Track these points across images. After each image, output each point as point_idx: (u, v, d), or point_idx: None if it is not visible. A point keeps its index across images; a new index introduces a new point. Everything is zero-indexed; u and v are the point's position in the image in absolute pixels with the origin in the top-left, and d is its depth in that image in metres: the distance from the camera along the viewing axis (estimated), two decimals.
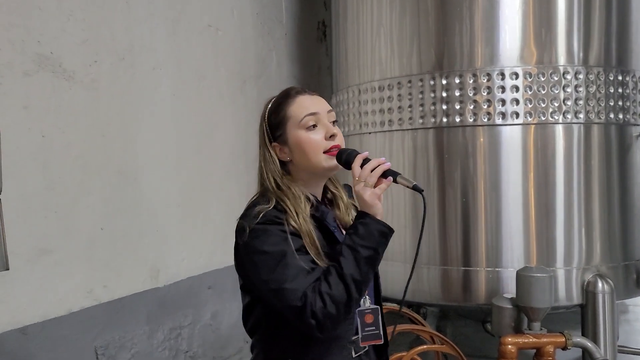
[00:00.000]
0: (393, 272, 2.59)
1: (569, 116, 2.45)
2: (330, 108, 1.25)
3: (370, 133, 2.79)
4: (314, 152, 1.19)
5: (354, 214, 1.33)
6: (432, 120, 2.55)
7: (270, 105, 1.27)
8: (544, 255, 2.46)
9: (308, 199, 1.21)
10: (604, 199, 2.53)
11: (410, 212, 2.64)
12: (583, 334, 2.48)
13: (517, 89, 2.43)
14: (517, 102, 2.43)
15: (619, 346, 2.58)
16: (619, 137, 2.59)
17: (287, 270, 1.09)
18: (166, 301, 2.51)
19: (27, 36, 1.91)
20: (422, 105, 2.58)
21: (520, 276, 2.23)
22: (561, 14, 2.47)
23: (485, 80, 2.45)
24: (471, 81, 2.47)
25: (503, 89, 2.44)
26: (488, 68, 2.46)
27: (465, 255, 2.52)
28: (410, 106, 2.62)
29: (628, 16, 2.63)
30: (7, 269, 1.68)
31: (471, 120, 2.48)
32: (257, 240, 1.12)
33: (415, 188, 1.13)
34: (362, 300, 1.23)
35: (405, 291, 1.29)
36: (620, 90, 2.55)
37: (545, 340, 2.22)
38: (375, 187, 1.13)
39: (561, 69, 2.44)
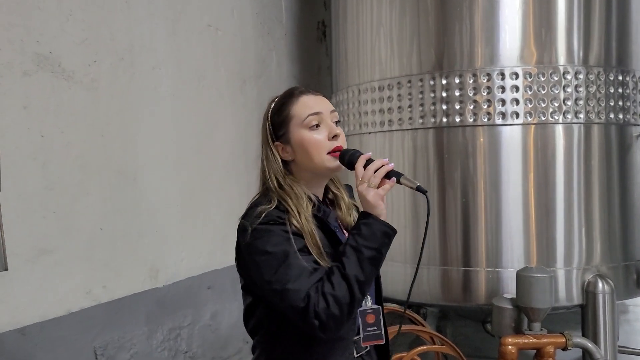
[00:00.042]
0: (393, 272, 2.59)
1: (569, 116, 2.45)
2: (334, 108, 1.25)
3: (370, 133, 2.79)
4: (316, 151, 1.19)
5: (355, 214, 1.33)
6: (432, 120, 2.55)
7: (273, 105, 1.26)
8: (544, 255, 2.46)
9: (310, 199, 1.20)
10: (604, 199, 2.53)
11: (411, 213, 2.64)
12: (583, 335, 2.48)
13: (517, 89, 2.43)
14: (517, 102, 2.43)
15: (619, 346, 2.58)
16: (619, 137, 2.58)
17: (290, 271, 1.08)
18: (166, 301, 2.50)
19: (27, 36, 1.91)
20: (422, 105, 2.58)
21: (521, 276, 2.23)
22: (561, 14, 2.47)
23: (485, 80, 2.45)
24: (471, 81, 2.47)
25: (503, 89, 2.44)
26: (488, 68, 2.45)
27: (465, 256, 2.52)
28: (410, 106, 2.61)
29: (628, 16, 2.63)
30: (6, 269, 1.68)
31: (471, 120, 2.48)
32: (260, 240, 1.12)
33: (419, 189, 1.13)
34: (363, 300, 1.22)
35: (409, 293, 1.29)
36: (620, 90, 2.54)
37: (545, 340, 2.22)
38: (378, 187, 1.13)
39: (561, 69, 2.44)
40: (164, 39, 2.55)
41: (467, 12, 2.49)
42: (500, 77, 2.43)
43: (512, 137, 2.46)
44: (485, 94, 2.45)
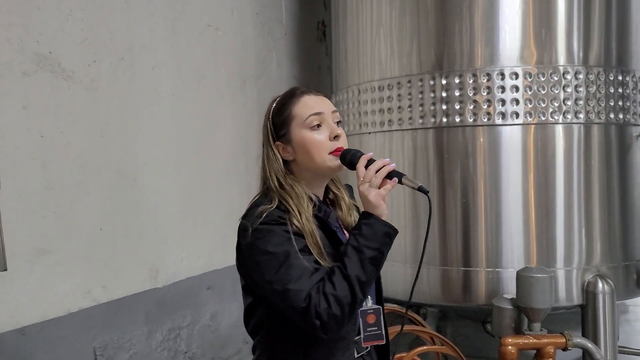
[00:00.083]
0: (393, 272, 2.59)
1: (569, 116, 2.45)
2: (335, 109, 1.24)
3: (370, 133, 2.78)
4: (317, 152, 1.19)
5: (355, 214, 1.33)
6: (432, 120, 2.55)
7: (274, 104, 1.26)
8: (544, 255, 2.46)
9: (311, 199, 1.20)
10: (604, 199, 2.52)
11: (410, 213, 2.64)
12: (583, 335, 2.47)
13: (517, 89, 2.43)
14: (517, 102, 2.42)
15: (619, 346, 2.58)
16: (619, 137, 2.58)
17: (291, 271, 1.08)
18: (165, 301, 2.50)
19: (26, 36, 1.91)
20: (421, 105, 2.57)
21: (521, 277, 2.23)
22: (561, 14, 2.47)
23: (485, 80, 2.45)
24: (471, 81, 2.47)
25: (503, 89, 2.44)
26: (488, 68, 2.45)
27: (465, 256, 2.52)
28: (410, 106, 2.61)
29: (628, 16, 2.63)
30: (5, 270, 1.68)
31: (471, 120, 2.48)
32: (261, 240, 1.11)
33: (420, 189, 1.13)
34: (365, 300, 1.22)
35: (411, 294, 1.29)
36: (620, 90, 2.54)
37: (545, 341, 2.21)
38: (380, 188, 1.13)
39: (561, 69, 2.43)
40: (163, 38, 2.55)
41: (467, 12, 2.49)
42: (500, 77, 2.43)
43: (512, 137, 2.46)
44: (485, 94, 2.45)
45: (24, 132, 1.89)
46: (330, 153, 1.19)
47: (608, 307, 2.41)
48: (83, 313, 2.08)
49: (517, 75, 2.42)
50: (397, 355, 2.42)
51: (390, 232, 1.13)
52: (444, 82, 2.51)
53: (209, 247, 2.83)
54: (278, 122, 1.23)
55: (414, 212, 2.63)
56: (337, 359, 1.20)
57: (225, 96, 3.02)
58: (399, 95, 2.65)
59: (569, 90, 2.44)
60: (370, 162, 1.16)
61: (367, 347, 1.27)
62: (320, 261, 1.12)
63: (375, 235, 1.11)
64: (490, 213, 2.48)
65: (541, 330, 2.24)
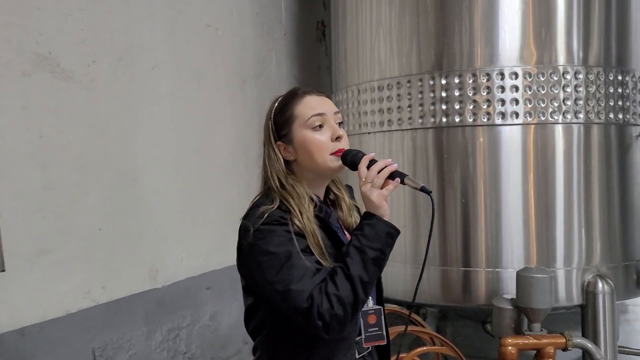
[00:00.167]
0: (393, 272, 2.58)
1: (568, 116, 2.44)
2: (337, 109, 1.24)
3: (369, 133, 2.78)
4: (319, 152, 1.18)
5: (356, 215, 1.33)
6: (432, 120, 2.55)
7: (276, 104, 1.26)
8: (544, 255, 2.46)
9: (312, 199, 1.20)
10: (604, 199, 2.52)
11: (410, 213, 2.64)
12: (583, 335, 2.47)
13: (516, 88, 2.43)
14: (517, 102, 2.42)
15: (619, 346, 2.58)
16: (618, 137, 2.58)
17: (293, 271, 1.08)
18: (165, 302, 2.50)
19: (25, 36, 1.90)
20: (421, 105, 2.57)
21: (521, 277, 2.23)
22: (561, 14, 2.46)
23: (485, 80, 2.44)
24: (471, 81, 2.47)
25: (503, 88, 2.43)
26: (487, 68, 2.45)
27: (465, 256, 2.52)
28: (409, 106, 2.61)
29: (628, 16, 2.63)
30: (3, 271, 1.68)
31: (471, 120, 2.48)
32: (262, 240, 1.11)
33: (423, 190, 1.13)
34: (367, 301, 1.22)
35: (414, 296, 1.28)
36: (620, 90, 2.54)
37: (545, 341, 2.21)
38: (382, 188, 1.13)
39: (561, 68, 2.43)
40: (163, 38, 2.55)
41: (466, 12, 2.49)
42: (500, 77, 2.43)
43: (511, 137, 2.46)
44: (484, 93, 2.45)
45: (23, 132, 1.89)
46: (331, 154, 1.19)
47: (608, 307, 2.41)
48: (82, 313, 2.08)
49: (516, 75, 2.42)
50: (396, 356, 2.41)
51: (392, 233, 1.13)
52: (443, 82, 2.51)
53: (208, 247, 2.82)
54: (280, 122, 1.23)
55: (413, 212, 2.63)
56: (339, 359, 1.20)
57: (224, 96, 3.01)
58: (398, 95, 2.65)
59: (568, 90, 2.44)
60: (372, 162, 1.16)
61: (368, 348, 1.27)
62: (322, 261, 1.12)
63: (378, 235, 1.11)
64: (490, 213, 2.48)
65: (541, 330, 2.24)
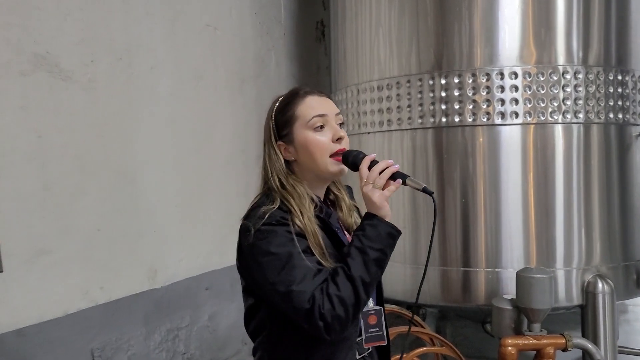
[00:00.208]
0: (392, 272, 2.57)
1: (568, 116, 2.44)
2: (338, 110, 1.24)
3: (369, 133, 2.78)
4: (320, 153, 1.18)
5: (356, 215, 1.32)
6: (431, 120, 2.55)
7: (277, 104, 1.25)
8: (544, 255, 2.46)
9: (312, 199, 1.20)
10: (603, 199, 2.52)
11: (410, 213, 2.63)
12: (583, 335, 2.47)
13: (516, 88, 2.42)
14: (517, 101, 2.42)
15: (619, 347, 2.58)
16: (618, 137, 2.58)
17: (294, 272, 1.07)
18: (163, 302, 2.49)
19: (24, 36, 1.90)
20: (421, 105, 2.57)
21: (520, 277, 2.22)
22: (560, 14, 2.46)
23: (485, 80, 2.44)
24: (470, 81, 2.46)
25: (502, 88, 2.43)
26: (487, 68, 2.45)
27: (465, 256, 2.51)
28: (409, 106, 2.61)
29: (627, 16, 2.62)
30: (2, 271, 1.67)
31: (470, 120, 2.47)
32: (263, 241, 1.11)
33: (425, 190, 1.13)
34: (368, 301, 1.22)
35: (417, 297, 1.28)
36: (619, 90, 2.54)
37: (545, 341, 2.21)
38: (383, 189, 1.12)
39: (560, 68, 2.43)
40: (162, 38, 2.54)
41: (466, 12, 2.48)
42: (500, 76, 2.43)
43: (511, 137, 2.46)
44: (484, 93, 2.44)
45: (21, 132, 1.88)
46: (331, 156, 1.19)
47: (608, 307, 2.41)
48: (81, 314, 2.07)
49: (516, 75, 2.42)
50: (396, 357, 2.41)
51: (393, 233, 1.13)
52: (443, 81, 2.51)
53: (207, 248, 2.82)
54: (281, 122, 1.22)
55: (413, 212, 2.62)
56: None
57: (224, 96, 3.01)
58: (398, 95, 2.64)
59: (568, 90, 2.43)
60: (373, 163, 1.15)
61: (369, 348, 1.27)
62: (322, 262, 1.12)
63: (379, 236, 1.11)
64: (490, 213, 2.47)
65: (541, 330, 2.24)
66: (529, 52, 2.44)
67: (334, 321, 1.06)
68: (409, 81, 2.60)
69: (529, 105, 2.42)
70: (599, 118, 2.49)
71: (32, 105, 1.92)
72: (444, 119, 2.52)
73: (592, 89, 2.47)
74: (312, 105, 1.20)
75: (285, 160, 1.22)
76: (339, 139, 1.20)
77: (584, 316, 2.48)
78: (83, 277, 2.09)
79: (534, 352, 2.26)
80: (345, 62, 3.00)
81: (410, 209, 2.63)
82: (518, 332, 2.27)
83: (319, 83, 4.10)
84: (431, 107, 2.54)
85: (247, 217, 1.17)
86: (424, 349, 2.51)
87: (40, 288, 1.93)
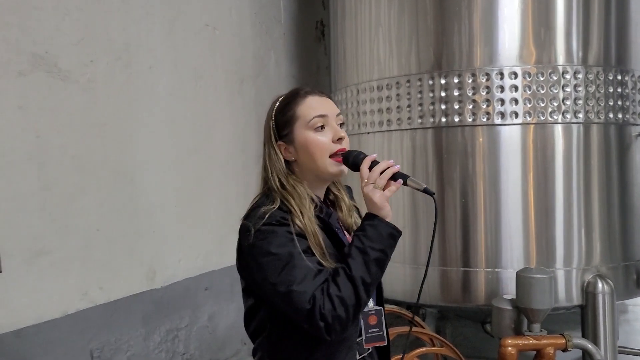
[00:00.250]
0: (391, 272, 2.56)
1: (568, 116, 2.44)
2: (339, 111, 1.24)
3: (368, 133, 2.77)
4: (320, 153, 1.18)
5: (355, 215, 1.32)
6: (431, 120, 2.54)
7: (278, 103, 1.25)
8: (544, 255, 2.45)
9: (312, 199, 1.20)
10: (603, 199, 2.52)
11: (410, 213, 2.63)
12: (583, 335, 2.47)
13: (516, 88, 2.42)
14: (516, 101, 2.42)
15: (619, 347, 2.57)
16: (618, 137, 2.58)
17: (295, 272, 1.07)
18: (163, 303, 2.48)
19: (23, 35, 1.89)
20: (420, 105, 2.57)
21: (520, 277, 2.22)
22: (560, 14, 2.46)
23: (484, 79, 2.44)
24: (470, 81, 2.46)
25: (502, 88, 2.43)
26: (487, 68, 2.45)
27: (465, 256, 2.51)
28: (409, 106, 2.60)
29: (627, 16, 2.62)
30: (0, 272, 1.66)
31: (470, 120, 2.47)
32: (264, 241, 1.10)
33: (426, 191, 1.13)
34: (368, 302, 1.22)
35: (418, 298, 1.28)
36: (619, 89, 2.54)
37: (545, 342, 2.21)
38: (384, 189, 1.12)
39: (560, 68, 2.43)
40: (161, 38, 2.54)
41: (465, 11, 2.48)
42: (499, 76, 2.43)
43: (511, 136, 2.46)
44: (484, 93, 2.44)
45: (20, 132, 1.88)
46: (331, 156, 1.18)
47: (608, 307, 2.41)
48: (80, 314, 2.06)
49: (516, 74, 2.42)
50: (396, 357, 2.41)
51: (394, 234, 1.13)
52: (442, 81, 2.51)
53: (206, 248, 2.81)
54: (281, 122, 1.22)
55: (413, 213, 2.62)
56: None
57: (223, 96, 3.00)
58: (397, 95, 2.64)
59: (568, 89, 2.43)
60: (374, 163, 1.15)
61: (369, 349, 1.26)
62: (323, 262, 1.12)
63: (380, 236, 1.11)
64: (490, 213, 2.47)
65: (541, 331, 2.24)
66: (529, 52, 2.44)
67: (334, 321, 1.05)
68: (408, 81, 2.60)
69: (529, 105, 2.42)
70: (599, 118, 2.49)
71: (30, 105, 1.91)
72: (443, 119, 2.51)
73: (592, 88, 2.46)
74: (313, 106, 1.20)
75: (285, 160, 1.22)
76: (339, 140, 1.20)
77: (584, 316, 2.48)
78: (82, 278, 2.09)
79: (534, 352, 2.25)
80: (345, 62, 3.00)
81: (410, 209, 2.63)
82: (518, 332, 2.27)
83: (319, 83, 4.10)
84: (431, 107, 2.54)
85: (247, 217, 1.17)
86: (424, 349, 2.51)
87: (39, 288, 1.92)
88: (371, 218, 1.13)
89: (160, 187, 2.51)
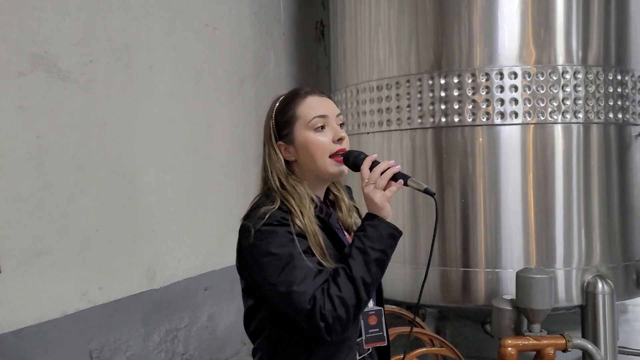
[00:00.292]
0: (391, 273, 2.56)
1: (568, 116, 2.44)
2: (339, 111, 1.24)
3: (368, 133, 2.77)
4: (320, 154, 1.18)
5: (355, 216, 1.32)
6: (431, 120, 2.54)
7: (278, 103, 1.25)
8: (544, 255, 2.45)
9: (312, 199, 1.19)
10: (603, 199, 2.52)
11: (409, 213, 2.63)
12: (583, 335, 2.47)
13: (515, 88, 2.42)
14: (516, 101, 2.42)
15: (619, 347, 2.57)
16: (618, 137, 2.58)
17: (295, 272, 1.07)
18: (162, 303, 2.48)
19: (23, 35, 1.89)
20: (420, 105, 2.57)
21: (520, 277, 2.22)
22: (560, 14, 2.46)
23: (484, 79, 2.44)
24: (470, 81, 2.46)
25: (502, 88, 2.43)
26: (487, 68, 2.44)
27: (465, 256, 2.51)
28: (408, 106, 2.60)
29: (627, 16, 2.62)
30: (0, 272, 1.66)
31: (470, 120, 2.47)
32: (264, 242, 1.10)
33: (426, 191, 1.13)
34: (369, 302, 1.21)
35: (419, 296, 1.27)
36: (619, 89, 2.54)
37: (545, 342, 2.20)
38: (385, 189, 1.12)
39: (560, 68, 2.43)
40: (160, 38, 2.54)
41: (465, 11, 2.48)
42: (499, 76, 2.42)
43: (511, 137, 2.46)
44: (484, 93, 2.44)
45: (20, 132, 1.88)
46: (331, 156, 1.18)
47: (608, 307, 2.41)
48: (79, 315, 2.06)
49: (516, 74, 2.42)
50: (396, 357, 2.40)
51: (395, 234, 1.13)
52: (442, 81, 2.51)
53: (206, 248, 2.81)
54: (281, 122, 1.22)
55: (412, 213, 2.62)
56: None
57: (223, 96, 3.00)
58: (397, 95, 2.64)
59: (568, 89, 2.43)
60: (374, 163, 1.15)
61: (369, 349, 1.26)
62: (323, 262, 1.12)
63: (381, 236, 1.11)
64: (490, 213, 2.47)
65: (541, 331, 2.24)
66: (529, 52, 2.44)
67: (335, 322, 1.05)
68: (408, 81, 2.60)
69: (529, 105, 2.42)
70: (599, 118, 2.49)
71: (30, 105, 1.91)
72: (443, 119, 2.51)
73: (592, 88, 2.46)
74: (313, 106, 1.20)
75: (285, 160, 1.22)
76: (339, 140, 1.20)
77: (584, 316, 2.48)
78: (82, 278, 2.09)
79: (534, 352, 2.25)
80: (345, 62, 3.00)
81: (410, 210, 2.63)
82: (518, 332, 2.27)
83: (319, 83, 4.10)
84: (430, 107, 2.54)
85: (247, 218, 1.16)
86: (424, 349, 2.50)
87: (38, 288, 1.92)
88: (372, 218, 1.13)
89: (160, 187, 2.50)
